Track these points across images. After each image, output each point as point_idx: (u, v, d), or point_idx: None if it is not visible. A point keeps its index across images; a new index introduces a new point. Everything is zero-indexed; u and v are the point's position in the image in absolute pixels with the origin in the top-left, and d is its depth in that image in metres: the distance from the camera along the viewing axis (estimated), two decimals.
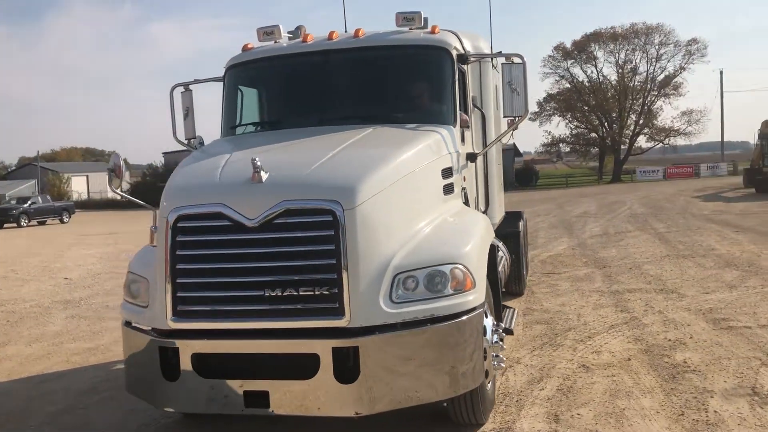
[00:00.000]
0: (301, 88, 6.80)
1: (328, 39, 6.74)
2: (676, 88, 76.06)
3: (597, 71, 78.98)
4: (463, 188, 6.42)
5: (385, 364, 4.69)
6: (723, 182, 55.66)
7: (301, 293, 4.68)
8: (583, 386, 6.60)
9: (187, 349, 4.88)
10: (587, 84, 79.21)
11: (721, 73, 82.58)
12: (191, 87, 7.32)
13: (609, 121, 79.01)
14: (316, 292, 4.67)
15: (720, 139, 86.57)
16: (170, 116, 7.31)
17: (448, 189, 5.99)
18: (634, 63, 77.29)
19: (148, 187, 73.04)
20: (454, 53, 6.55)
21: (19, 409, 6.82)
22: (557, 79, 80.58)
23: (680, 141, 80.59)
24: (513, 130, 6.94)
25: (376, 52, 6.64)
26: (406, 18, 6.57)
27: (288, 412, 4.79)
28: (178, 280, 4.91)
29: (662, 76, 75.41)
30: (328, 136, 5.92)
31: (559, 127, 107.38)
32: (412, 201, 5.34)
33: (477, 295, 5.07)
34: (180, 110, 7.34)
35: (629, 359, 7.41)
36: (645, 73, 76.92)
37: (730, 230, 19.92)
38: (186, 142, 7.36)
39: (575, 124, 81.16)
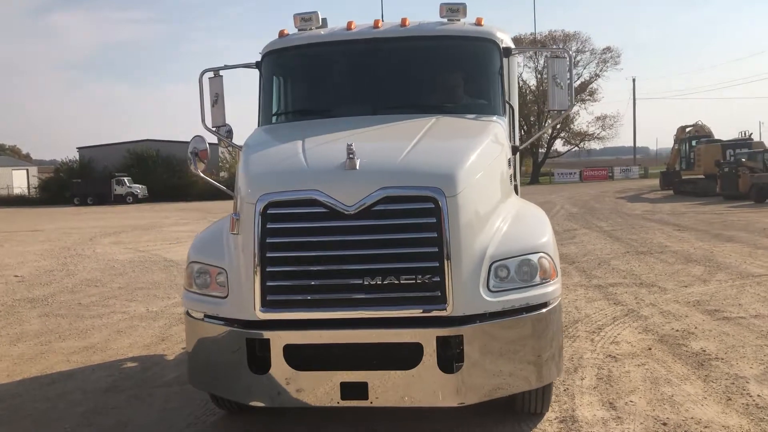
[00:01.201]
0: (350, 76, 6.66)
1: (374, 27, 6.63)
2: (591, 94, 79.04)
3: (518, 76, 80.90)
4: (513, 179, 6.46)
5: (486, 353, 4.67)
6: (638, 184, 58.40)
7: (402, 281, 4.58)
8: (621, 375, 6.76)
9: (278, 341, 4.69)
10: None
11: (634, 80, 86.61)
12: (221, 73, 7.04)
13: (528, 125, 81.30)
14: (418, 281, 4.58)
15: (632, 144, 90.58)
16: (199, 102, 7.01)
17: (510, 180, 6.03)
18: None
19: (61, 183, 70.13)
20: (502, 45, 6.58)
21: (41, 412, 6.37)
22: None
23: (594, 145, 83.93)
24: (557, 123, 7.05)
25: (426, 42, 6.58)
26: (451, 9, 6.54)
27: (387, 404, 4.68)
28: (268, 269, 4.71)
29: (578, 82, 78.24)
30: (396, 124, 5.83)
31: None
32: (493, 190, 5.34)
33: (559, 285, 5.12)
34: (208, 97, 7.04)
35: (650, 348, 7.65)
36: None
37: (671, 229, 20.89)
38: (215, 129, 7.08)
39: None
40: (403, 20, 6.66)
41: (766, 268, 12.68)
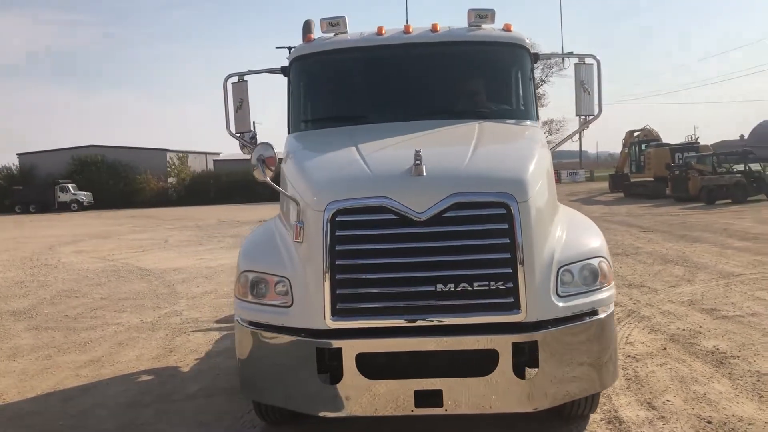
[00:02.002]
0: (386, 82, 6.60)
1: (405, 33, 6.62)
2: (537, 99, 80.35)
3: None
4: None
5: (558, 359, 4.70)
6: (587, 187, 59.72)
7: (475, 288, 4.57)
8: (647, 375, 6.89)
9: (350, 350, 4.62)
10: None
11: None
12: (246, 78, 6.92)
13: None
14: (492, 287, 4.58)
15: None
16: (224, 108, 6.88)
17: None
18: None
19: (1, 190, 67.52)
20: (531, 51, 6.66)
21: (69, 428, 6.13)
22: None
23: None
24: (584, 129, 7.15)
25: (459, 48, 6.59)
26: (480, 15, 6.60)
27: (462, 411, 4.66)
28: (337, 277, 4.64)
29: None
30: (442, 130, 5.83)
31: None
32: (551, 195, 5.38)
33: (614, 289, 5.20)
34: (232, 102, 6.91)
35: (665, 348, 7.83)
36: None
37: (637, 230, 21.46)
38: (239, 135, 6.94)
39: None
40: (434, 26, 6.66)
41: (743, 267, 13.13)
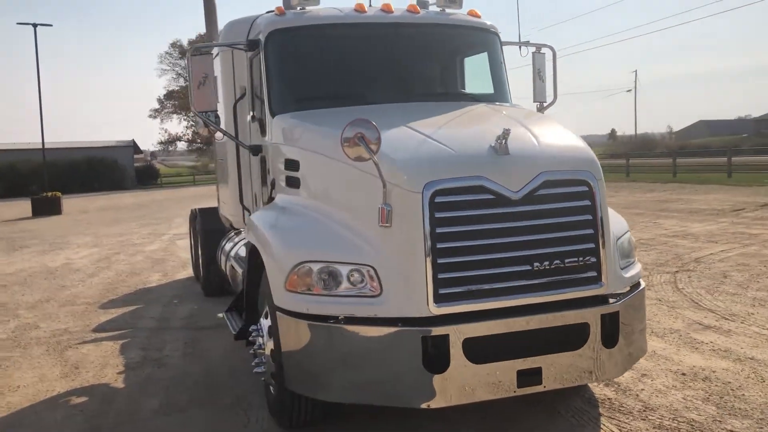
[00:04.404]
0: (378, 61, 6.31)
1: (384, 10, 6.41)
2: None
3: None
4: None
5: (630, 327, 4.98)
6: None
7: (566, 264, 4.66)
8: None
9: (458, 335, 4.41)
10: None
11: None
12: (213, 51, 6.19)
13: None
14: (580, 263, 4.70)
15: None
16: (188, 83, 6.08)
17: None
18: None
19: None
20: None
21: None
22: (174, 77, 79.82)
23: None
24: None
25: (445, 30, 6.56)
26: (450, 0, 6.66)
27: (559, 385, 4.70)
28: (439, 261, 4.40)
29: None
30: (463, 111, 5.78)
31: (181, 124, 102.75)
32: None
33: None
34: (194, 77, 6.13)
35: None
36: None
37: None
38: (202, 114, 6.17)
39: (194, 121, 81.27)
40: (413, 7, 6.56)
41: None
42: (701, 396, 5.81)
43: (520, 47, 7.21)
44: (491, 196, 4.51)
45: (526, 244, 4.58)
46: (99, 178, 65.00)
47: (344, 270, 4.63)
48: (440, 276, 4.42)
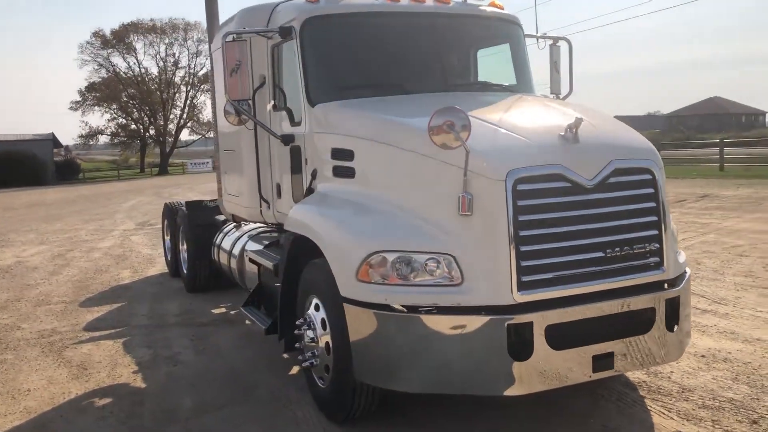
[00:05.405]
0: (417, 51, 6.26)
1: (419, 1, 6.38)
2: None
3: (138, 63, 77.95)
4: None
5: (686, 311, 5.15)
6: None
7: (635, 251, 4.78)
8: None
9: (541, 322, 4.45)
10: (128, 75, 77.48)
11: None
12: (245, 37, 6.00)
13: (154, 113, 78.50)
14: (647, 248, 4.82)
15: None
16: (223, 71, 5.88)
17: None
18: (176, 57, 78.38)
19: None
20: None
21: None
22: (96, 67, 76.86)
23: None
24: None
25: (476, 21, 6.58)
26: None
27: (629, 369, 4.84)
28: (521, 249, 4.44)
29: (202, 72, 77.54)
30: (506, 101, 5.82)
31: (104, 117, 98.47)
32: None
33: None
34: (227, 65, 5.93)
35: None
36: (186, 68, 78.83)
37: None
38: (236, 102, 5.99)
39: (118, 114, 78.54)
40: None
41: None
42: (729, 376, 6.08)
43: (537, 40, 7.31)
44: (569, 184, 4.59)
45: (599, 231, 4.68)
46: (16, 174, 61.92)
47: (421, 259, 4.60)
48: (523, 264, 4.46)
